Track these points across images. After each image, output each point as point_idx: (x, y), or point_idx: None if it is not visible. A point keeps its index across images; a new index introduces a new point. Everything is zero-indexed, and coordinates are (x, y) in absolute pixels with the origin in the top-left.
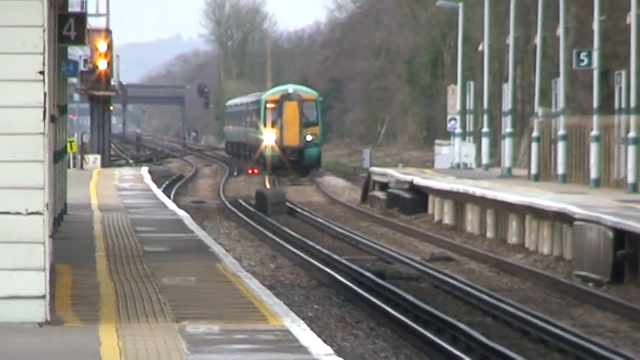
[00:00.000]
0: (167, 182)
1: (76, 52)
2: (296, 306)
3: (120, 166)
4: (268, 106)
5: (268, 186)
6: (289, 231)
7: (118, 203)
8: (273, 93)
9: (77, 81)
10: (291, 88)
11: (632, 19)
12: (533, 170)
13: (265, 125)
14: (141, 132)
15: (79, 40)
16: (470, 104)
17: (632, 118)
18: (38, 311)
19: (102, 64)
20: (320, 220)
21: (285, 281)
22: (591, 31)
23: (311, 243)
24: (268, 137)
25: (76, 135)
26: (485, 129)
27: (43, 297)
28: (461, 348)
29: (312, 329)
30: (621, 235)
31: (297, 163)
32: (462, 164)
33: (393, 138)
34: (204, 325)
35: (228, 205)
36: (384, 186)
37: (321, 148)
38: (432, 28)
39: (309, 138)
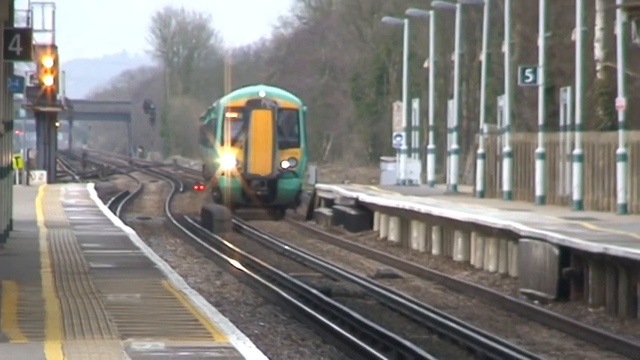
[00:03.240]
0: (113, 198)
1: (21, 68)
2: (242, 323)
3: (66, 182)
4: (228, 115)
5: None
6: (235, 248)
7: (63, 219)
8: (235, 97)
9: (23, 97)
10: (262, 91)
11: (577, 35)
12: (479, 187)
13: (222, 143)
14: (87, 148)
15: (25, 56)
16: (415, 121)
17: (577, 135)
18: None
19: (48, 80)
20: (266, 237)
21: (230, 298)
22: (536, 47)
23: (257, 260)
24: (227, 161)
25: (22, 151)
26: (430, 145)
27: None
28: None
29: (257, 347)
30: (567, 253)
31: (267, 199)
32: (407, 181)
33: (338, 155)
34: (149, 342)
35: (174, 222)
36: (329, 203)
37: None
38: (377, 45)
39: (285, 164)
